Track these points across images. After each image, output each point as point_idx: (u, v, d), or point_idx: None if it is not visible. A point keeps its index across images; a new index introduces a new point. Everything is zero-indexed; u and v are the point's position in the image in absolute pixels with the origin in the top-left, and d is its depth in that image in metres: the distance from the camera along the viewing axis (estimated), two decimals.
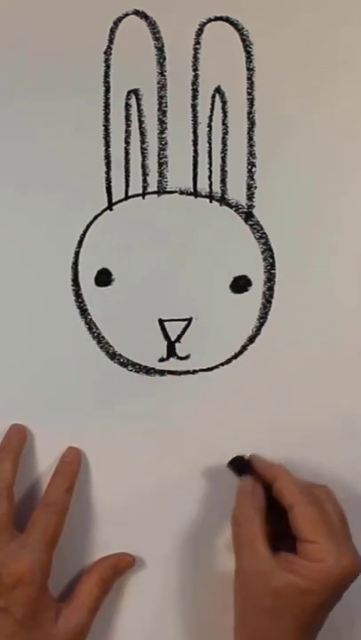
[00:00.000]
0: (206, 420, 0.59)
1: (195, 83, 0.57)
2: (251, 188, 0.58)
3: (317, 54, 0.57)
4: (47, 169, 0.57)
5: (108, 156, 0.57)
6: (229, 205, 0.58)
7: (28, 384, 0.58)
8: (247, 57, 0.57)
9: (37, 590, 0.53)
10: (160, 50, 0.56)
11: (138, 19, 0.56)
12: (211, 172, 0.58)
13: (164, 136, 0.57)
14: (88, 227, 0.57)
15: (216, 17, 0.56)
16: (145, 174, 0.57)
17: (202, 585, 0.60)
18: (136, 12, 0.56)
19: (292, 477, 0.55)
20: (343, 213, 0.59)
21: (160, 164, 0.57)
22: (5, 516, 0.54)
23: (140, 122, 0.57)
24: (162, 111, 0.57)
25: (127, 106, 0.57)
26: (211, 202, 0.58)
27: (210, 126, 0.57)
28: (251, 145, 0.57)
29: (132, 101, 0.57)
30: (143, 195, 0.58)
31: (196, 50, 0.56)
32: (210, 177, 0.58)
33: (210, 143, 0.57)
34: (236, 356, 0.59)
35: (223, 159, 0.57)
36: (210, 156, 0.57)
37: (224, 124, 0.57)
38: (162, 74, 0.57)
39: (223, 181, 0.58)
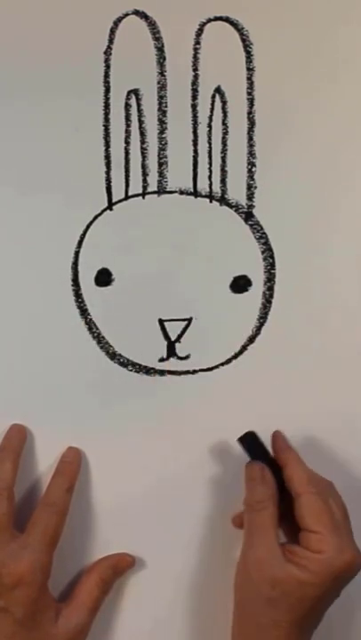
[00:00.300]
0: (206, 420, 0.59)
1: (195, 83, 0.57)
2: (251, 188, 0.58)
3: (317, 54, 0.57)
4: (47, 169, 0.57)
5: (108, 156, 0.57)
6: (229, 205, 0.58)
7: (28, 384, 0.58)
8: (247, 57, 0.57)
9: (37, 590, 0.53)
10: (160, 50, 0.56)
11: (138, 19, 0.56)
12: (211, 172, 0.58)
13: (164, 136, 0.57)
14: (88, 227, 0.58)
15: (216, 17, 0.56)
16: (145, 174, 0.57)
17: (202, 585, 0.60)
18: (136, 12, 0.56)
19: (303, 465, 0.55)
20: (343, 213, 0.59)
21: (160, 164, 0.57)
22: (5, 517, 0.54)
23: (140, 122, 0.57)
24: (162, 111, 0.57)
25: (127, 106, 0.57)
26: (211, 202, 0.58)
27: (210, 126, 0.57)
28: (251, 145, 0.57)
29: (132, 101, 0.57)
30: (143, 195, 0.58)
31: (196, 50, 0.56)
32: (210, 177, 0.58)
33: (210, 143, 0.57)
34: (236, 356, 0.59)
35: (223, 159, 0.58)
36: (210, 156, 0.57)
37: (224, 124, 0.57)
38: (162, 74, 0.57)
39: (223, 181, 0.58)
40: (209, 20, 0.56)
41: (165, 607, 0.60)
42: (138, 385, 0.59)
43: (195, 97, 0.57)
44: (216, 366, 0.59)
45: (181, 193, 0.58)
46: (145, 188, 0.58)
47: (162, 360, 0.59)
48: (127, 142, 0.57)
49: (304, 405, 0.59)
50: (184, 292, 0.58)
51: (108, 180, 0.57)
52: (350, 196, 0.59)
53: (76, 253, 0.58)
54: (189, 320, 0.58)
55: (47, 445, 0.58)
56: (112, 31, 0.56)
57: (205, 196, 0.58)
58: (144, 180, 0.58)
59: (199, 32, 0.56)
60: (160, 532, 0.59)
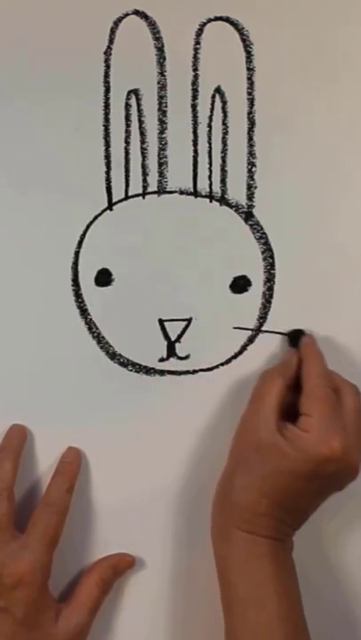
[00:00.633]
0: (206, 419, 0.59)
1: (195, 83, 0.57)
2: (251, 188, 0.58)
3: (317, 54, 0.57)
4: (47, 169, 0.57)
5: (108, 156, 0.57)
6: (229, 205, 0.58)
7: (28, 384, 0.58)
8: (247, 57, 0.57)
9: (37, 590, 0.53)
10: (160, 50, 0.56)
11: (138, 19, 0.56)
12: (211, 171, 0.58)
13: (164, 136, 0.57)
14: (88, 227, 0.58)
15: (216, 17, 0.56)
16: (145, 174, 0.57)
17: (202, 585, 0.60)
18: (136, 12, 0.56)
19: (321, 362, 0.57)
20: (343, 213, 0.59)
21: (160, 164, 0.57)
22: (6, 517, 0.54)
23: (140, 122, 0.57)
24: (162, 111, 0.57)
25: (127, 106, 0.57)
26: (211, 202, 0.58)
27: (210, 126, 0.57)
28: (251, 145, 0.58)
29: (132, 101, 0.57)
30: (143, 195, 0.58)
31: (196, 50, 0.56)
32: (210, 177, 0.58)
33: (210, 143, 0.57)
34: (236, 356, 0.59)
35: (223, 159, 0.58)
36: (210, 156, 0.57)
37: (224, 124, 0.57)
38: (162, 74, 0.57)
39: (223, 181, 0.58)
40: (209, 20, 0.56)
41: (165, 607, 0.60)
42: (138, 385, 0.59)
43: (195, 97, 0.57)
44: (216, 366, 0.59)
45: (181, 193, 0.58)
46: (145, 187, 0.58)
47: (162, 360, 0.59)
48: (127, 142, 0.57)
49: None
50: (184, 292, 0.58)
51: (108, 180, 0.57)
52: (350, 196, 0.59)
53: (76, 253, 0.58)
54: (189, 320, 0.58)
55: (47, 445, 0.58)
56: (112, 31, 0.56)
57: (205, 196, 0.58)
58: (144, 180, 0.58)
59: (199, 32, 0.56)
60: (160, 532, 0.59)
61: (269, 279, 0.59)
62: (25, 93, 0.56)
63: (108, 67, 0.56)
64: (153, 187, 0.58)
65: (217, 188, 0.58)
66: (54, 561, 0.55)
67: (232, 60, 0.57)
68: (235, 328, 0.59)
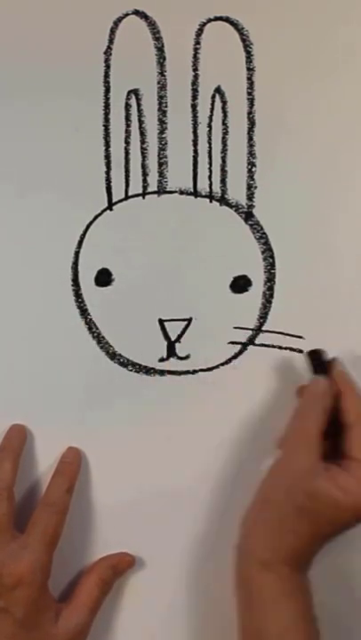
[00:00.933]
0: (206, 419, 0.59)
1: (195, 83, 0.57)
2: (251, 188, 0.58)
3: (317, 54, 0.57)
4: (47, 169, 0.57)
5: (108, 156, 0.57)
6: (229, 205, 0.58)
7: (28, 384, 0.58)
8: (247, 57, 0.57)
9: (37, 590, 0.53)
10: (160, 50, 0.56)
11: (138, 19, 0.56)
12: (211, 172, 0.58)
13: (164, 136, 0.57)
14: (88, 227, 0.58)
15: (216, 17, 0.56)
16: (145, 174, 0.57)
17: (202, 584, 0.60)
18: (136, 12, 0.56)
19: (358, 396, 0.55)
20: (343, 213, 0.59)
21: (160, 164, 0.57)
22: (5, 517, 0.54)
23: (140, 122, 0.57)
24: (162, 111, 0.57)
25: (127, 106, 0.57)
26: (211, 202, 0.58)
27: (210, 126, 0.57)
28: (251, 145, 0.58)
29: (132, 101, 0.57)
30: (143, 195, 0.58)
31: (196, 50, 0.57)
32: (210, 177, 0.58)
33: (210, 143, 0.57)
34: (236, 356, 0.59)
35: (223, 159, 0.58)
36: (210, 156, 0.57)
37: (224, 124, 0.57)
38: (162, 74, 0.57)
39: (223, 181, 0.58)
40: (209, 20, 0.56)
41: (165, 607, 0.60)
42: (138, 385, 0.59)
43: (195, 97, 0.57)
44: (216, 366, 0.59)
45: (181, 193, 0.58)
46: (145, 188, 0.58)
47: (162, 360, 0.59)
48: (127, 142, 0.57)
49: None
50: (184, 292, 0.58)
51: (108, 180, 0.57)
52: (350, 196, 0.59)
53: (76, 253, 0.58)
54: (189, 320, 0.58)
55: (47, 445, 0.58)
56: (112, 31, 0.56)
57: (205, 196, 0.58)
58: (144, 180, 0.58)
59: (199, 32, 0.56)
60: (160, 532, 0.59)
61: (269, 279, 0.59)
62: (25, 93, 0.56)
63: (108, 67, 0.56)
64: (153, 187, 0.58)
65: (217, 188, 0.58)
66: (54, 561, 0.55)
67: (232, 60, 0.57)
68: (235, 328, 0.59)
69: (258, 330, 0.59)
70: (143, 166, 0.57)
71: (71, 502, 0.57)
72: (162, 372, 0.59)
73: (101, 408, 0.59)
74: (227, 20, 0.56)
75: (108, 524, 0.59)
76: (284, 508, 0.52)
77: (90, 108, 0.57)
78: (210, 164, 0.58)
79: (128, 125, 0.57)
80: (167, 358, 0.58)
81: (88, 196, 0.57)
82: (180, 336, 0.58)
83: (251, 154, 0.58)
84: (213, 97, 0.57)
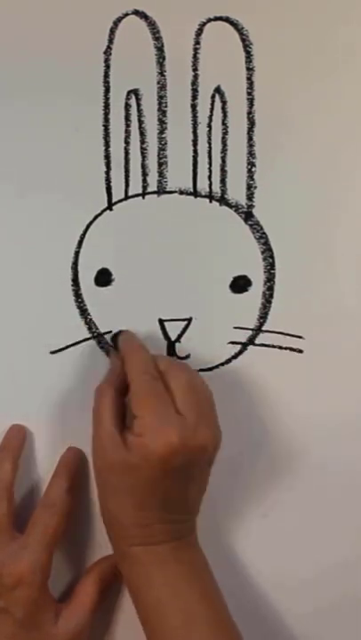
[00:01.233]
0: None
1: (195, 83, 0.57)
2: (251, 188, 0.58)
3: (317, 54, 0.57)
4: (47, 169, 0.57)
5: (108, 156, 0.57)
6: (229, 205, 0.58)
7: (28, 384, 0.58)
8: (247, 57, 0.57)
9: (37, 591, 0.53)
10: (160, 50, 0.56)
11: (138, 19, 0.56)
12: (211, 172, 0.58)
13: (163, 136, 0.57)
14: (88, 227, 0.58)
15: (216, 17, 0.56)
16: (145, 174, 0.57)
17: None
18: (136, 12, 0.56)
19: (141, 355, 0.55)
20: (343, 213, 0.59)
21: (160, 164, 0.57)
22: (5, 517, 0.54)
23: (140, 122, 0.57)
24: (162, 111, 0.57)
25: (127, 106, 0.57)
26: (211, 202, 0.58)
27: (210, 126, 0.57)
28: (251, 145, 0.57)
29: (132, 101, 0.57)
30: (143, 195, 0.58)
31: (196, 50, 0.56)
32: (210, 177, 0.58)
33: (210, 143, 0.57)
34: (236, 356, 0.59)
35: (223, 159, 0.58)
36: (210, 156, 0.57)
37: (224, 124, 0.57)
38: (162, 74, 0.57)
39: (223, 181, 0.58)
40: (209, 20, 0.56)
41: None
42: None
43: (195, 97, 0.57)
44: (216, 366, 0.59)
45: (181, 193, 0.58)
46: (145, 188, 0.58)
47: None
48: (127, 142, 0.57)
49: (304, 405, 0.59)
50: (184, 292, 0.58)
51: (108, 180, 0.57)
52: (350, 196, 0.59)
53: (76, 253, 0.58)
54: (189, 320, 0.58)
55: (47, 445, 0.58)
56: (112, 31, 0.56)
57: (205, 196, 0.58)
58: (144, 180, 0.58)
59: (199, 32, 0.56)
60: None
61: (269, 279, 0.59)
62: (25, 93, 0.56)
63: (107, 67, 0.56)
64: (153, 187, 0.58)
65: (217, 188, 0.58)
66: (54, 561, 0.55)
67: (232, 60, 0.57)
68: (235, 328, 0.59)
69: (258, 330, 0.59)
70: (143, 166, 0.57)
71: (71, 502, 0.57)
72: None
73: None
74: (227, 20, 0.56)
75: None
76: (102, 492, 0.53)
77: (90, 108, 0.56)
78: (210, 164, 0.58)
79: (128, 125, 0.57)
80: None
81: (88, 196, 0.57)
82: (180, 336, 0.58)
83: (251, 154, 0.58)
84: (213, 97, 0.57)
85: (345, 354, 0.59)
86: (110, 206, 0.58)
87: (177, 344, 0.58)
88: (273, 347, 0.59)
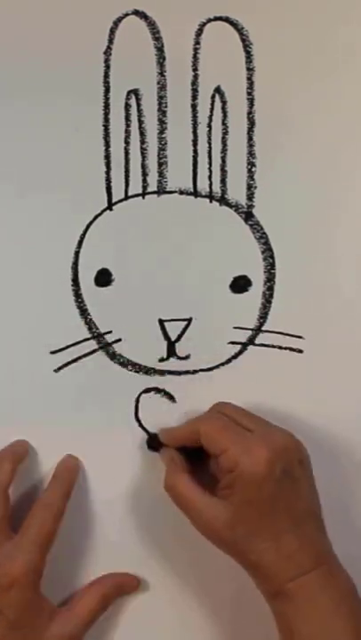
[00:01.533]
0: None
1: (195, 83, 0.57)
2: (251, 188, 0.58)
3: (317, 54, 0.57)
4: (47, 169, 0.57)
5: (108, 156, 0.57)
6: (229, 205, 0.58)
7: (27, 384, 0.58)
8: (247, 57, 0.57)
9: (31, 592, 0.53)
10: (160, 50, 0.56)
11: (138, 19, 0.56)
12: (211, 172, 0.58)
13: (163, 136, 0.57)
14: (88, 227, 0.58)
15: (216, 17, 0.56)
16: (145, 174, 0.57)
17: (202, 586, 0.60)
18: (136, 12, 0.56)
19: (180, 426, 0.57)
20: (343, 213, 0.59)
21: (160, 164, 0.57)
22: (1, 518, 0.54)
23: (140, 122, 0.57)
24: (162, 111, 0.57)
25: (127, 106, 0.57)
26: (211, 202, 0.58)
27: (210, 126, 0.57)
28: (251, 145, 0.58)
29: (132, 101, 0.57)
30: (143, 195, 0.58)
31: (196, 50, 0.57)
32: (210, 177, 0.58)
33: (210, 143, 0.57)
34: (236, 356, 0.59)
35: (223, 159, 0.58)
36: (210, 156, 0.57)
37: (224, 124, 0.57)
38: (162, 74, 0.57)
39: (223, 181, 0.58)
40: (209, 20, 0.56)
41: (165, 610, 0.60)
42: (138, 385, 0.59)
43: (195, 97, 0.57)
44: (216, 366, 0.59)
45: (181, 193, 0.58)
46: (145, 188, 0.58)
47: (162, 360, 0.58)
48: (127, 142, 0.57)
49: (304, 405, 0.59)
50: (184, 292, 0.58)
51: (108, 180, 0.57)
52: (350, 196, 0.59)
53: (76, 253, 0.58)
54: (189, 320, 0.58)
55: (46, 445, 0.58)
56: (112, 31, 0.56)
57: (205, 196, 0.58)
58: (144, 180, 0.58)
59: (199, 32, 0.56)
60: (160, 533, 0.59)
61: (269, 279, 0.59)
62: (25, 93, 0.56)
63: (107, 67, 0.56)
64: (153, 187, 0.58)
65: (217, 188, 0.58)
66: (54, 565, 0.55)
67: (232, 60, 0.57)
68: (235, 328, 0.59)
69: (258, 330, 0.59)
70: (143, 166, 0.57)
71: (72, 504, 0.56)
72: (162, 372, 0.59)
73: (101, 408, 0.59)
74: (227, 20, 0.56)
75: (108, 524, 0.59)
76: (240, 550, 0.52)
77: (90, 108, 0.57)
78: (210, 164, 0.58)
79: (128, 125, 0.57)
80: (167, 358, 0.58)
81: (88, 196, 0.57)
82: (180, 336, 0.58)
83: (251, 154, 0.58)
84: (213, 97, 0.57)
85: (345, 354, 0.59)
86: (110, 206, 0.58)
87: (177, 344, 0.58)
88: (273, 347, 0.59)
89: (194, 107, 0.57)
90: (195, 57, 0.57)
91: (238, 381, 0.59)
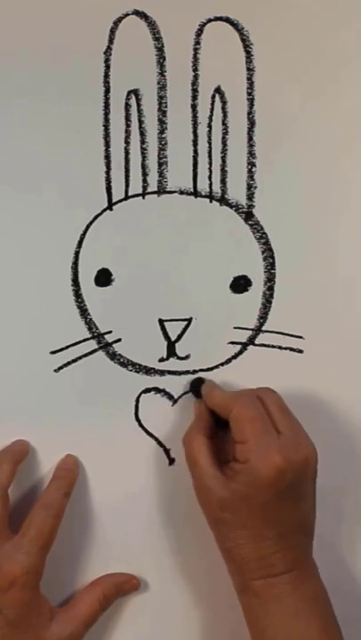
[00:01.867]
0: None
1: (195, 83, 0.57)
2: (251, 188, 0.58)
3: (317, 54, 0.57)
4: (47, 169, 0.57)
5: (108, 156, 0.57)
6: (229, 205, 0.58)
7: (27, 384, 0.58)
8: (247, 57, 0.57)
9: (30, 592, 0.53)
10: (160, 50, 0.56)
11: (138, 19, 0.56)
12: (211, 172, 0.58)
13: (164, 136, 0.57)
14: (88, 227, 0.58)
15: (216, 17, 0.56)
16: (145, 174, 0.57)
17: (202, 586, 0.60)
18: (136, 12, 0.56)
19: (222, 390, 0.57)
20: (343, 213, 0.59)
21: (160, 164, 0.57)
22: (0, 518, 0.54)
23: (140, 122, 0.57)
24: (162, 111, 0.57)
25: (127, 106, 0.57)
26: (211, 202, 0.58)
27: (210, 126, 0.57)
28: (251, 145, 0.58)
29: (132, 101, 0.57)
30: (143, 195, 0.58)
31: (196, 50, 0.57)
32: (210, 177, 0.58)
33: (210, 143, 0.57)
34: (236, 356, 0.59)
35: (223, 159, 0.58)
36: (210, 156, 0.57)
37: (224, 124, 0.57)
38: (162, 74, 0.57)
39: (223, 181, 0.58)
40: (209, 20, 0.56)
41: (165, 611, 0.60)
42: (138, 385, 0.59)
43: (195, 97, 0.57)
44: (216, 366, 0.59)
45: (181, 193, 0.58)
46: (145, 188, 0.58)
47: (162, 360, 0.58)
48: (127, 142, 0.57)
49: (304, 405, 0.59)
50: (184, 292, 0.58)
51: (108, 180, 0.57)
52: (350, 196, 0.59)
53: (76, 253, 0.58)
54: (189, 320, 0.58)
55: (47, 445, 0.58)
56: (112, 31, 0.56)
57: (205, 196, 0.58)
58: (144, 180, 0.58)
59: (199, 32, 0.56)
60: (160, 533, 0.59)
61: (269, 279, 0.59)
62: (25, 93, 0.56)
63: (108, 67, 0.56)
64: (153, 187, 0.58)
65: (217, 188, 0.58)
66: (54, 565, 0.54)
67: (232, 60, 0.57)
68: (235, 328, 0.59)
69: (258, 330, 0.59)
70: (143, 166, 0.57)
71: (72, 505, 0.56)
72: (162, 372, 0.59)
73: (101, 408, 0.59)
74: (227, 20, 0.56)
75: (108, 524, 0.59)
76: (218, 534, 0.54)
77: (90, 108, 0.56)
78: (210, 163, 0.58)
79: (128, 125, 0.57)
80: (167, 358, 0.58)
81: (88, 196, 0.57)
82: (180, 336, 0.58)
83: (251, 154, 0.58)
84: (213, 97, 0.57)
85: (345, 354, 0.59)
86: (110, 206, 0.58)
87: (177, 344, 0.58)
88: (273, 347, 0.59)
89: (194, 107, 0.57)
90: (195, 57, 0.57)
91: (238, 381, 0.59)
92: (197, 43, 0.56)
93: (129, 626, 0.60)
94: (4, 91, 0.56)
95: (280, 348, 0.59)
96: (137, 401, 0.59)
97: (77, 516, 0.58)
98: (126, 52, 0.56)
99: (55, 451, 0.58)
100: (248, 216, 0.58)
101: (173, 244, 0.58)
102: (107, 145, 0.57)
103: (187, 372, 0.59)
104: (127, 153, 0.57)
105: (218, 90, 0.57)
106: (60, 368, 0.58)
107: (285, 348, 0.59)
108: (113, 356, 0.58)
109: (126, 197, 0.58)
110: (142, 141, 0.57)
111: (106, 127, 0.57)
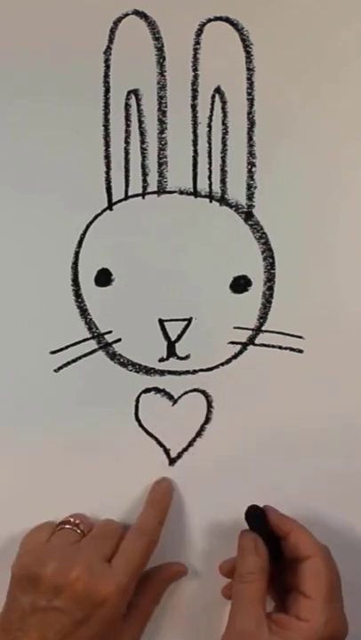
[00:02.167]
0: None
1: (195, 83, 0.57)
2: (251, 188, 0.58)
3: (317, 54, 0.57)
4: (47, 169, 0.57)
5: (108, 157, 0.57)
6: (229, 205, 0.58)
7: (27, 384, 0.58)
8: (247, 57, 0.57)
9: (117, 612, 0.53)
10: (160, 50, 0.56)
11: (138, 19, 0.56)
12: (211, 171, 0.58)
13: (163, 136, 0.57)
14: (88, 227, 0.58)
15: (216, 17, 0.56)
16: (145, 174, 0.57)
17: (202, 586, 0.60)
18: (136, 12, 0.56)
19: (307, 531, 0.55)
20: (343, 213, 0.59)
21: (160, 164, 0.57)
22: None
23: (140, 122, 0.57)
24: (162, 111, 0.57)
25: (127, 106, 0.57)
26: (211, 202, 0.58)
27: (210, 126, 0.57)
28: (251, 145, 0.58)
29: (132, 101, 0.57)
30: (143, 195, 0.58)
31: (196, 50, 0.57)
32: (210, 177, 0.58)
33: (210, 143, 0.57)
34: (236, 356, 0.59)
35: (223, 159, 0.58)
36: (210, 156, 0.57)
37: (224, 124, 0.57)
38: (162, 74, 0.57)
39: (223, 181, 0.58)
40: (209, 20, 0.56)
41: (164, 613, 0.60)
42: (138, 385, 0.59)
43: (195, 97, 0.57)
44: (216, 366, 0.59)
45: (181, 193, 0.58)
46: (145, 188, 0.58)
47: (162, 360, 0.59)
48: (127, 142, 0.57)
49: (304, 405, 0.59)
50: (184, 292, 0.58)
51: (108, 180, 0.57)
52: (350, 196, 0.59)
53: (76, 253, 0.58)
54: (189, 320, 0.58)
55: (46, 445, 0.58)
56: (112, 31, 0.56)
57: (205, 196, 0.58)
58: (144, 180, 0.58)
59: (199, 32, 0.56)
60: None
61: (269, 279, 0.59)
62: (25, 93, 0.56)
63: (107, 67, 0.56)
64: (153, 187, 0.58)
65: (217, 188, 0.58)
66: None
67: (232, 60, 0.57)
68: (235, 328, 0.59)
69: (258, 330, 0.59)
70: (143, 166, 0.57)
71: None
72: (162, 372, 0.59)
73: (101, 408, 0.59)
74: (227, 20, 0.56)
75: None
76: None
77: (90, 108, 0.56)
78: (210, 163, 0.58)
79: (128, 125, 0.57)
80: (167, 358, 0.58)
81: (88, 196, 0.57)
82: (180, 336, 0.58)
83: (251, 154, 0.58)
84: (213, 97, 0.57)
85: (345, 354, 0.59)
86: (110, 206, 0.58)
87: (177, 344, 0.58)
88: (273, 347, 0.59)
89: (194, 107, 0.57)
90: (195, 57, 0.57)
91: (238, 381, 0.59)
92: (197, 43, 0.56)
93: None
94: (4, 91, 0.56)
95: (280, 347, 0.59)
96: (137, 401, 0.59)
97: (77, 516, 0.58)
98: (126, 51, 0.56)
99: (55, 451, 0.58)
100: (248, 216, 0.58)
101: (173, 243, 0.58)
102: (107, 145, 0.57)
103: (187, 372, 0.59)
104: (127, 153, 0.57)
105: (218, 90, 0.57)
106: (60, 368, 0.58)
107: (285, 348, 0.59)
108: (113, 356, 0.58)
109: (126, 197, 0.58)
110: (142, 141, 0.57)
111: (106, 127, 0.57)
